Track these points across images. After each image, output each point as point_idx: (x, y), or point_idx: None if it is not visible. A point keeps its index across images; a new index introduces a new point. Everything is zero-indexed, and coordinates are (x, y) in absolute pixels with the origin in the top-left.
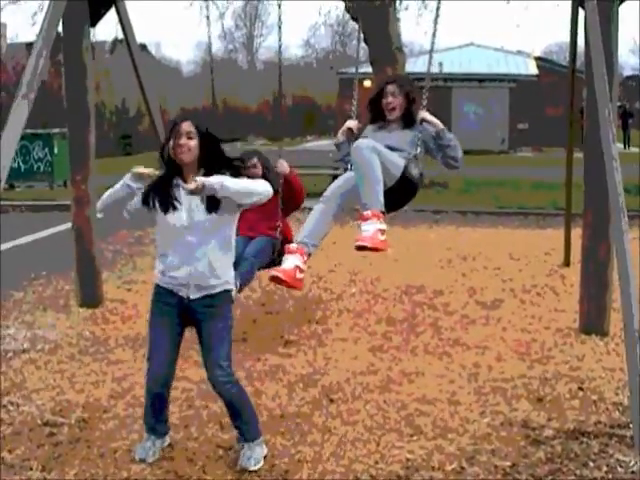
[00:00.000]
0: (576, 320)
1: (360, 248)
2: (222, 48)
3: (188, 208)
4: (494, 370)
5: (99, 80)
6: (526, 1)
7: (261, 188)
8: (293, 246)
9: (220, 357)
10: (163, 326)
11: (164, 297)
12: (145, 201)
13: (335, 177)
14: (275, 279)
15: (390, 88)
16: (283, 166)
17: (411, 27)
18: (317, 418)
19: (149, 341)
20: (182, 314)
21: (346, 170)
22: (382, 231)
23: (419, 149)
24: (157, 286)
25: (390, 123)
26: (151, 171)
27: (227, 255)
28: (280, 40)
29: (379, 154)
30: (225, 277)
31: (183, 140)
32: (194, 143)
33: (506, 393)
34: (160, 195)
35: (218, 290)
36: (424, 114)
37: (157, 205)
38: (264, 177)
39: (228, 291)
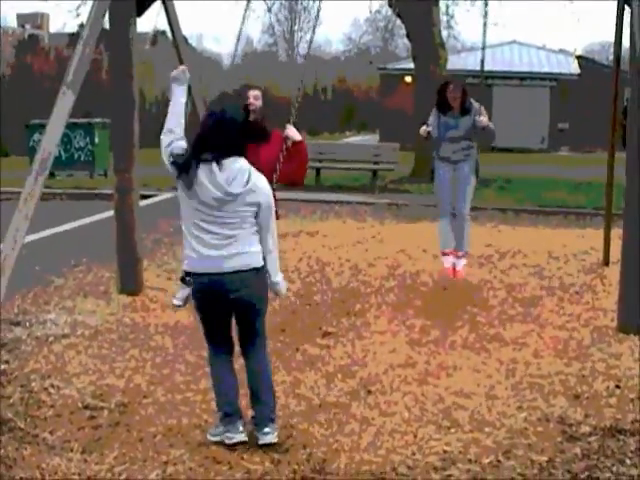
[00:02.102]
0: (614, 319)
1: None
2: (264, 42)
3: None
4: (531, 366)
5: (139, 72)
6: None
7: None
8: (447, 250)
9: None
10: None
11: None
12: None
13: (375, 172)
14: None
15: (452, 85)
16: (293, 131)
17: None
18: (355, 409)
19: None
20: None
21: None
22: (465, 265)
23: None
24: None
25: (453, 110)
26: None
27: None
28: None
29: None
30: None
31: None
32: None
33: (543, 389)
34: None
35: None
36: (482, 111)
37: None
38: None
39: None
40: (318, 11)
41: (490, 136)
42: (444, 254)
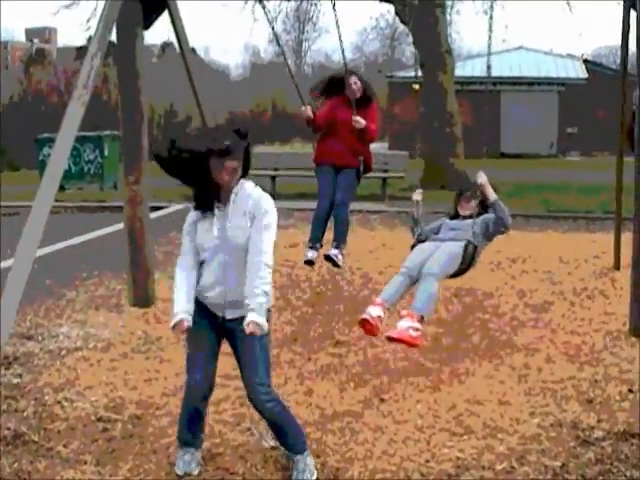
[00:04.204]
0: (626, 323)
1: (389, 339)
2: (270, 52)
3: (222, 227)
4: (544, 372)
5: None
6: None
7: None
8: (378, 300)
9: (259, 376)
10: (202, 340)
11: (200, 312)
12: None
13: (385, 180)
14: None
15: (467, 196)
16: (359, 123)
17: (461, 31)
18: (368, 417)
19: (189, 355)
20: (218, 330)
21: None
22: (415, 329)
23: (477, 234)
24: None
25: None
26: None
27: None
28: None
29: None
30: None
31: (228, 162)
32: (238, 163)
33: (556, 394)
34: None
35: None
36: (484, 183)
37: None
38: (365, 92)
39: None
40: (337, 22)
41: (504, 218)
42: (374, 303)
